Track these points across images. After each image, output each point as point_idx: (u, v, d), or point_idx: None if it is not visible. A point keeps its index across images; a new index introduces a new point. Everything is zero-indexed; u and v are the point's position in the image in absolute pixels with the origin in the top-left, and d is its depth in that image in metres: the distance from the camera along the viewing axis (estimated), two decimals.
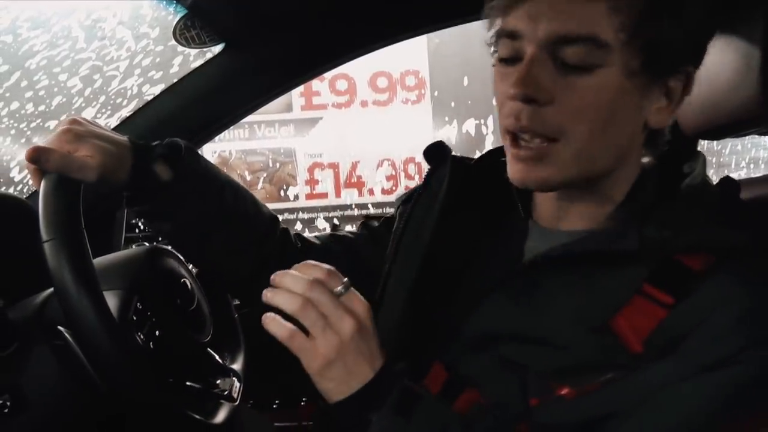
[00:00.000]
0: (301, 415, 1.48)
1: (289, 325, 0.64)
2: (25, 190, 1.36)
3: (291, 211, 3.12)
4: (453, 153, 0.86)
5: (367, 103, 3.06)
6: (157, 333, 0.82)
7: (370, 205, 3.07)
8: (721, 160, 3.12)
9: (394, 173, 3.03)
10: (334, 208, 3.13)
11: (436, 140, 0.87)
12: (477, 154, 0.87)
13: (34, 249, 0.70)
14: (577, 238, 0.71)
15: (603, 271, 0.66)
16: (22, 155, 2.25)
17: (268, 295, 0.65)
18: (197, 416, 0.80)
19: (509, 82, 0.64)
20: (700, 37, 0.68)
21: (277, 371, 1.28)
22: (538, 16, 0.63)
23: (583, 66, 0.62)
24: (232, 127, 1.58)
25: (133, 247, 1.31)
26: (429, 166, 0.88)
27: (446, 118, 3.04)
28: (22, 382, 0.73)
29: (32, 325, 0.78)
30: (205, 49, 1.30)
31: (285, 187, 3.13)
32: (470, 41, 2.83)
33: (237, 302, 1.14)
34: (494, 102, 0.71)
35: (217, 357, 0.93)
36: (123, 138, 0.83)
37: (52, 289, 0.77)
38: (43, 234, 0.70)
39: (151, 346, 0.80)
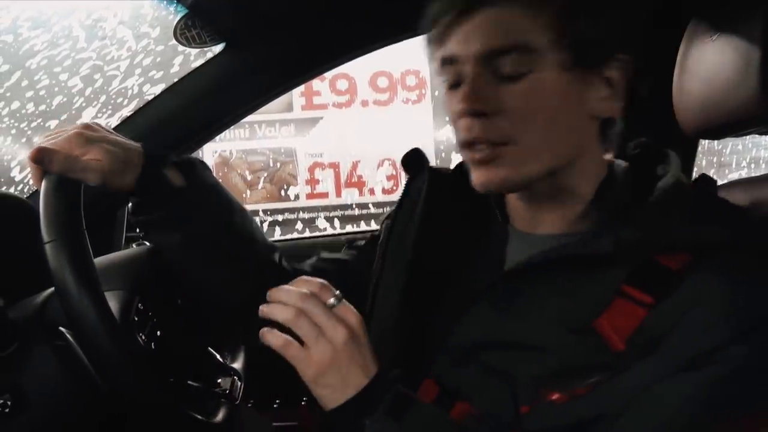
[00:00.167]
0: (301, 415, 1.48)
1: (284, 335, 0.66)
2: (25, 190, 1.36)
3: (291, 210, 3.12)
4: (430, 162, 0.89)
5: (367, 103, 3.06)
6: (158, 333, 0.82)
7: (370, 205, 3.07)
8: (722, 159, 3.12)
9: (394, 173, 3.02)
10: (335, 207, 3.12)
11: (412, 148, 0.87)
12: None
13: (35, 249, 0.70)
14: (554, 241, 0.73)
15: (582, 275, 0.68)
16: (22, 155, 2.26)
17: (264, 310, 0.67)
18: (198, 416, 0.80)
19: (457, 103, 0.69)
20: (624, 27, 0.70)
21: (277, 371, 1.28)
22: (468, 38, 0.67)
23: (519, 73, 0.67)
24: (232, 127, 1.58)
25: (134, 246, 1.31)
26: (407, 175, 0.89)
27: (447, 118, 3.03)
28: (22, 382, 0.73)
29: (33, 325, 0.78)
30: (205, 49, 1.30)
31: (285, 187, 3.13)
32: None
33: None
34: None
35: (217, 356, 0.93)
36: (135, 144, 0.82)
37: (52, 289, 0.77)
38: (45, 235, 0.70)
39: (153, 347, 0.80)
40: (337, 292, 0.68)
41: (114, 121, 1.34)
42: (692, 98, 0.95)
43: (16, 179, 2.15)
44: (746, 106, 0.84)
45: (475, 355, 0.71)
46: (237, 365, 0.97)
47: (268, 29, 1.27)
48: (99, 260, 0.82)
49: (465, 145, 0.71)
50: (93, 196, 0.82)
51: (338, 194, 3.13)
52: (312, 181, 3.13)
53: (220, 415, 0.87)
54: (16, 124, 2.28)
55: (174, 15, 1.21)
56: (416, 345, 0.77)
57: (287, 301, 0.66)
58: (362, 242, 0.98)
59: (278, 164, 3.11)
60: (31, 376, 0.74)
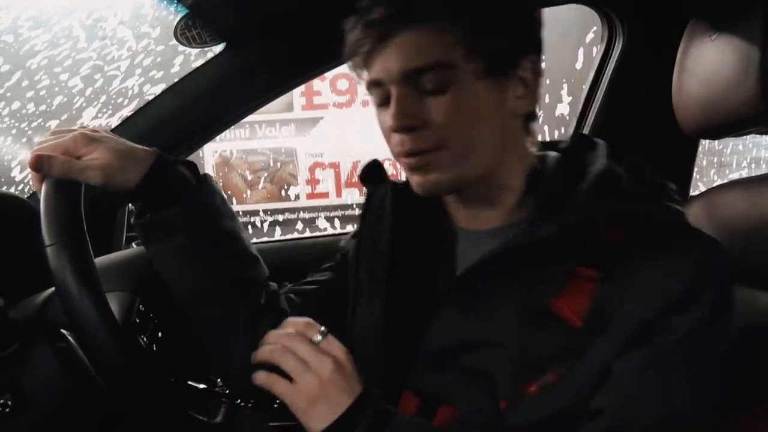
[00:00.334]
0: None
1: (272, 374, 0.70)
2: (26, 190, 1.36)
3: (292, 210, 3.12)
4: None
5: (368, 103, 3.04)
6: (159, 334, 0.82)
7: None
8: (723, 159, 3.12)
9: (395, 173, 3.02)
10: (335, 207, 3.12)
11: (371, 160, 0.89)
12: None
13: (35, 249, 0.71)
14: (498, 234, 0.78)
15: (533, 262, 0.72)
16: (23, 155, 2.26)
17: (255, 356, 0.72)
18: (199, 416, 0.80)
19: (388, 120, 0.74)
20: (524, 32, 0.76)
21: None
22: (389, 62, 0.72)
23: (440, 87, 0.72)
24: (232, 127, 1.58)
25: (134, 245, 1.31)
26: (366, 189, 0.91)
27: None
28: (23, 381, 0.74)
29: (33, 325, 0.78)
30: (206, 49, 1.30)
31: (286, 187, 3.13)
32: None
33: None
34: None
35: None
36: (139, 146, 0.81)
37: (53, 289, 0.78)
38: (46, 238, 0.70)
39: (154, 348, 0.80)
40: (323, 328, 0.71)
41: (114, 121, 1.34)
42: (692, 98, 0.95)
43: (17, 179, 2.15)
44: (746, 105, 0.84)
45: (449, 359, 0.75)
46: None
47: (269, 29, 1.27)
48: (100, 260, 0.82)
49: (400, 156, 0.76)
50: (93, 196, 0.82)
51: (339, 194, 3.13)
52: (312, 181, 3.13)
53: (221, 415, 0.87)
54: (16, 124, 2.28)
55: (174, 15, 1.21)
56: (397, 355, 0.79)
57: (273, 342, 0.71)
58: (329, 264, 0.99)
59: (279, 164, 3.11)
60: (32, 376, 0.74)
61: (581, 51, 2.47)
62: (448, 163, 0.74)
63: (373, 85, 0.76)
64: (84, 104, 2.28)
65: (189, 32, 1.23)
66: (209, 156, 3.01)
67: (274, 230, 3.06)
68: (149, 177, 0.79)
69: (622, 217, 0.72)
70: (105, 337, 0.69)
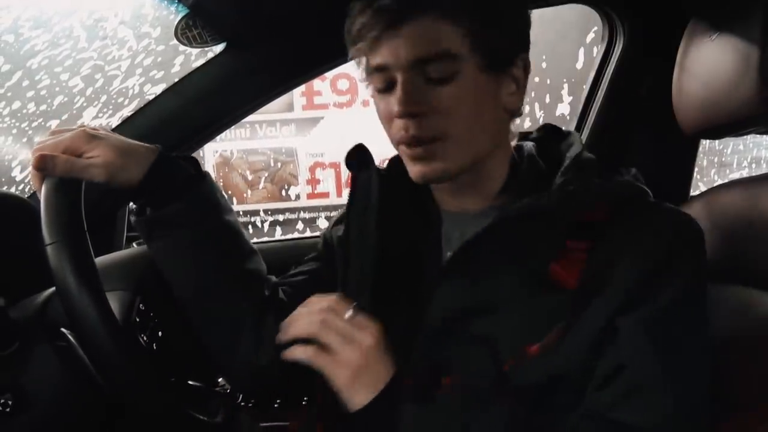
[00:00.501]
0: (303, 416, 1.48)
1: (312, 346, 0.70)
2: (26, 190, 1.36)
3: (292, 210, 3.13)
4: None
5: (368, 103, 3.06)
6: (159, 334, 0.82)
7: None
8: (723, 159, 3.12)
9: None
10: (336, 207, 3.12)
11: (355, 145, 0.88)
12: None
13: (36, 249, 0.71)
14: (482, 216, 0.80)
15: (527, 234, 0.76)
16: (23, 155, 2.26)
17: (283, 336, 0.72)
18: (199, 416, 0.80)
19: (390, 105, 0.76)
20: (522, 32, 0.80)
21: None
22: (398, 48, 0.74)
23: (446, 77, 0.74)
24: (233, 127, 1.58)
25: (134, 245, 1.31)
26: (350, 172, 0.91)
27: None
28: (23, 381, 0.74)
29: (34, 325, 0.78)
30: (206, 49, 1.30)
31: (286, 187, 3.13)
32: None
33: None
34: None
35: None
36: (140, 143, 0.82)
37: (53, 289, 0.78)
38: (46, 237, 0.70)
39: (155, 348, 0.80)
40: (354, 304, 0.72)
41: (115, 121, 1.34)
42: (692, 98, 0.95)
43: (17, 179, 2.14)
44: (746, 106, 0.84)
45: (453, 328, 0.76)
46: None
47: (270, 29, 1.27)
48: (100, 260, 0.82)
49: (401, 142, 0.77)
50: (94, 196, 0.82)
51: (339, 194, 3.13)
52: (313, 181, 3.13)
53: (221, 415, 0.87)
54: (17, 124, 2.28)
55: (175, 15, 1.21)
56: (393, 331, 0.78)
57: (307, 319, 0.71)
58: (313, 254, 0.99)
59: (279, 164, 3.11)
60: (32, 375, 0.74)
61: (582, 51, 2.47)
62: (450, 153, 0.76)
63: (377, 70, 0.77)
64: (84, 104, 2.28)
65: (190, 32, 1.23)
66: (210, 156, 3.01)
67: (275, 230, 3.06)
68: (152, 173, 0.80)
69: (604, 194, 0.77)
70: (105, 336, 0.69)
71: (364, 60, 0.79)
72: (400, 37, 0.74)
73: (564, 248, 0.75)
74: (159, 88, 1.33)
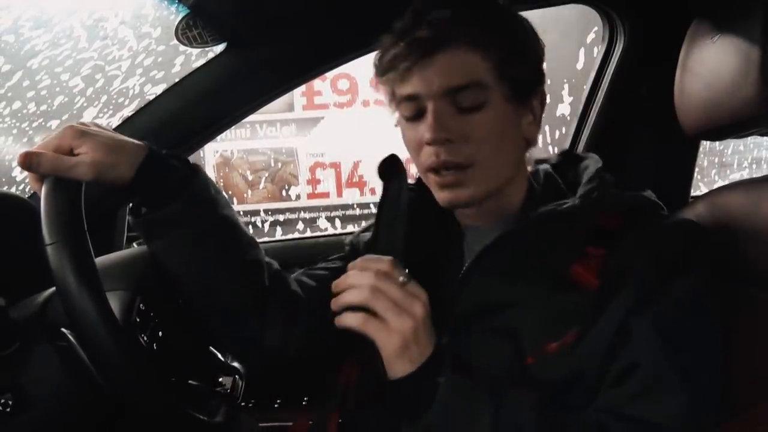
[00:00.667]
0: (303, 416, 1.48)
1: (361, 313, 0.71)
2: (26, 190, 1.36)
3: (293, 210, 3.12)
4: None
5: (368, 103, 3.06)
6: (159, 334, 0.82)
7: (372, 205, 3.07)
8: (724, 160, 3.12)
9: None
10: (336, 207, 3.12)
11: (389, 154, 0.88)
12: None
13: (36, 248, 0.70)
14: (502, 228, 0.83)
15: (549, 237, 0.80)
16: None
17: (335, 305, 0.73)
18: (199, 416, 0.80)
19: (420, 133, 0.80)
20: (540, 66, 0.86)
21: (279, 371, 1.28)
22: (430, 78, 0.78)
23: (476, 105, 0.79)
24: (233, 127, 1.58)
25: (134, 245, 1.31)
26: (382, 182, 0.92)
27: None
28: (23, 381, 0.73)
29: (34, 325, 0.78)
30: (206, 49, 1.30)
31: (287, 187, 3.13)
32: None
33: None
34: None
35: (219, 355, 0.93)
36: (130, 139, 0.81)
37: (53, 289, 0.77)
38: (46, 237, 0.70)
39: (155, 348, 0.80)
40: (406, 270, 0.73)
41: (115, 121, 1.34)
42: (694, 99, 0.95)
43: (17, 179, 2.14)
44: (747, 107, 0.84)
45: (476, 322, 0.80)
46: (238, 364, 0.97)
47: (270, 29, 1.27)
48: (100, 260, 0.82)
49: (430, 169, 0.81)
50: (94, 196, 0.82)
51: (339, 194, 3.13)
52: (313, 181, 3.13)
53: (221, 415, 0.87)
54: (17, 124, 2.27)
55: (175, 15, 1.21)
56: None
57: (359, 282, 0.71)
58: (339, 254, 1.02)
59: (279, 164, 3.11)
60: (32, 375, 0.74)
61: (582, 51, 2.47)
62: (477, 180, 0.81)
63: (407, 99, 0.81)
64: (85, 104, 2.27)
65: (190, 32, 1.23)
66: (210, 156, 3.01)
67: (275, 230, 3.06)
68: (142, 172, 0.79)
69: (623, 203, 0.83)
70: (105, 336, 0.69)
71: (395, 90, 0.83)
72: (432, 67, 0.78)
73: (584, 253, 0.78)
74: (159, 89, 1.33)
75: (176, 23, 1.21)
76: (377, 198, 0.88)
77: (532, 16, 0.88)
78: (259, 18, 1.25)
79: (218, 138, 1.56)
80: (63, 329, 0.75)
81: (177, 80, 1.31)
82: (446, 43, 0.78)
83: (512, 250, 0.81)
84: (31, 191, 1.23)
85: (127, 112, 1.34)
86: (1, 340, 0.74)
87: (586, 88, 1.53)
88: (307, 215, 3.13)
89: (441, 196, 0.82)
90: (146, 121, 1.29)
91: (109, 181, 0.78)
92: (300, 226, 3.09)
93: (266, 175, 3.11)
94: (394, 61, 0.80)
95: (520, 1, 1.31)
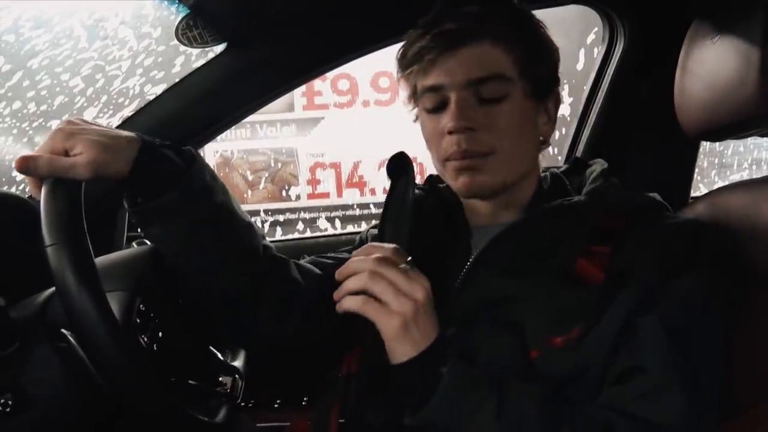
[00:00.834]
0: (303, 416, 1.48)
1: (361, 296, 0.71)
2: (26, 190, 1.36)
3: (293, 210, 3.12)
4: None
5: (369, 103, 3.06)
6: (159, 334, 0.82)
7: (371, 205, 3.07)
8: (723, 160, 3.12)
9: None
10: (336, 207, 3.12)
11: (397, 152, 0.89)
12: None
13: (36, 248, 0.70)
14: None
15: (555, 231, 0.82)
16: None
17: (337, 293, 0.73)
18: (199, 416, 0.80)
19: (442, 123, 0.83)
20: (556, 68, 0.89)
21: (279, 371, 1.28)
22: (454, 69, 0.82)
23: (498, 97, 0.82)
24: (233, 127, 1.58)
25: (134, 245, 1.31)
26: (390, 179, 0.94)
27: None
28: (23, 381, 0.73)
29: (34, 325, 0.78)
30: (207, 49, 1.30)
31: (287, 187, 3.13)
32: None
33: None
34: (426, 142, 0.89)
35: (219, 355, 0.93)
36: (127, 133, 0.81)
37: (53, 289, 0.77)
38: (46, 238, 0.69)
39: (155, 348, 0.80)
40: (409, 258, 0.73)
41: (115, 121, 1.34)
42: (693, 100, 0.95)
43: (18, 179, 2.14)
44: (747, 107, 0.84)
45: (481, 315, 0.80)
46: (238, 364, 0.97)
47: (270, 29, 1.27)
48: (100, 260, 0.82)
49: (450, 157, 0.83)
50: (94, 196, 0.82)
51: (339, 194, 3.13)
52: (313, 181, 3.13)
53: (221, 415, 0.87)
54: (17, 124, 2.27)
55: (176, 15, 1.21)
56: None
57: (360, 268, 0.72)
58: (349, 247, 1.03)
59: (279, 164, 3.11)
60: (32, 375, 0.74)
61: (582, 52, 2.47)
62: (495, 168, 0.83)
63: (430, 90, 0.84)
64: (85, 104, 2.27)
65: (190, 32, 1.23)
66: (210, 156, 3.01)
67: (275, 230, 3.06)
68: (138, 165, 0.79)
69: (629, 202, 0.84)
70: (105, 336, 0.69)
71: (417, 81, 0.85)
72: (457, 59, 0.81)
73: (589, 251, 0.80)
74: (160, 89, 1.33)
75: (176, 23, 1.21)
76: (377, 198, 0.89)
77: None
78: (259, 18, 1.25)
79: (218, 138, 1.56)
80: (63, 329, 0.75)
81: (177, 80, 1.31)
82: (473, 37, 0.81)
83: (518, 243, 0.83)
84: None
85: (128, 112, 1.34)
86: (1, 340, 0.74)
87: (586, 88, 1.53)
88: (307, 215, 3.13)
89: (459, 181, 0.84)
90: (146, 121, 1.29)
91: (107, 177, 0.78)
92: (300, 226, 3.09)
93: (266, 175, 3.11)
94: (420, 53, 0.83)
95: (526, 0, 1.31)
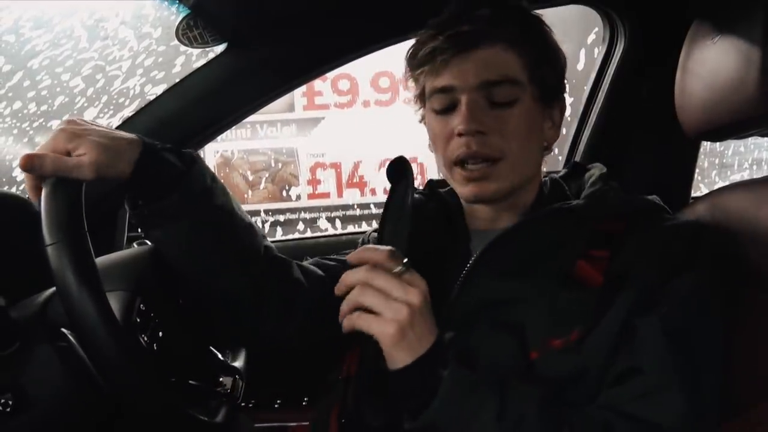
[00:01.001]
0: (303, 416, 1.48)
1: (354, 313, 0.70)
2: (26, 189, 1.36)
3: (293, 211, 3.12)
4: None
5: (369, 103, 3.06)
6: (160, 334, 0.82)
7: (372, 205, 3.07)
8: (724, 161, 3.12)
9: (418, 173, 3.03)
10: (336, 208, 3.12)
11: (397, 156, 0.87)
12: None
13: (36, 248, 0.70)
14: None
15: (555, 234, 0.82)
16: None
17: (341, 317, 0.72)
18: (199, 416, 0.80)
19: (451, 125, 0.83)
20: (563, 75, 0.91)
21: (279, 371, 1.28)
22: (465, 71, 0.82)
23: (509, 101, 0.83)
24: (234, 127, 1.58)
25: (135, 245, 1.31)
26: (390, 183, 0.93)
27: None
28: (23, 381, 0.73)
29: (34, 325, 0.78)
30: (207, 49, 1.30)
31: (287, 187, 3.13)
32: None
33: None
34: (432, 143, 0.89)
35: (219, 355, 0.93)
36: (128, 134, 0.81)
37: (53, 289, 0.77)
38: (46, 238, 0.69)
39: (155, 348, 0.80)
40: (405, 260, 0.71)
41: (116, 121, 1.34)
42: (694, 100, 0.95)
43: (18, 179, 2.14)
44: (747, 107, 0.84)
45: (481, 316, 0.80)
46: (238, 364, 0.97)
47: (270, 30, 1.27)
48: (100, 260, 0.82)
49: (458, 162, 0.84)
50: (94, 196, 0.82)
51: (340, 194, 3.13)
52: (313, 182, 3.13)
53: (221, 415, 0.87)
54: (18, 125, 2.27)
55: (176, 15, 1.21)
56: None
57: (353, 281, 0.71)
58: (350, 250, 1.00)
59: (280, 164, 3.11)
60: (33, 375, 0.74)
61: (583, 52, 2.47)
62: (504, 174, 0.83)
63: (441, 91, 0.84)
64: (85, 104, 2.27)
65: (191, 32, 1.23)
66: (210, 156, 3.02)
67: (276, 230, 3.06)
68: (139, 167, 0.79)
69: (628, 205, 0.84)
70: (106, 336, 0.69)
71: (428, 82, 0.85)
72: (469, 61, 0.81)
73: (589, 255, 0.80)
74: (160, 89, 1.33)
75: (177, 23, 1.22)
76: (377, 198, 0.89)
77: None
78: (259, 18, 1.25)
79: (219, 138, 1.56)
80: (63, 329, 0.75)
81: (177, 80, 1.31)
82: (486, 40, 0.81)
83: (518, 245, 0.83)
84: None
85: (128, 112, 1.34)
86: (1, 340, 0.74)
87: (587, 89, 1.53)
88: (307, 215, 3.13)
89: (466, 189, 0.85)
90: (146, 121, 1.29)
91: (109, 178, 0.78)
92: (300, 226, 3.09)
93: (267, 175, 3.11)
94: (432, 54, 0.83)
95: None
